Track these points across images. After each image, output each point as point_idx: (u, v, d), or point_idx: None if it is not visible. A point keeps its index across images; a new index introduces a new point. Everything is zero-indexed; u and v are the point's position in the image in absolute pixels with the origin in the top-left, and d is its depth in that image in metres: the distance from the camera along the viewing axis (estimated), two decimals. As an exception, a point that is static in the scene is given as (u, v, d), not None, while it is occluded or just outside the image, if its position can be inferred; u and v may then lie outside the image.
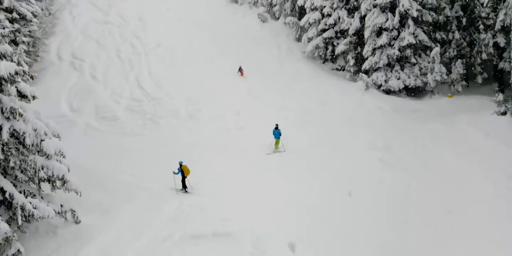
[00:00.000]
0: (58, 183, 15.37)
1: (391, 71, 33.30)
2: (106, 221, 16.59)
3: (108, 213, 17.07)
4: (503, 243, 15.84)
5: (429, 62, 32.93)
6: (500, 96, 25.18)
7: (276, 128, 22.94)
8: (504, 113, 24.89)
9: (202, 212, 16.73)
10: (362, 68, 33.78)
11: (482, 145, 22.74)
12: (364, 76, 32.95)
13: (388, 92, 33.10)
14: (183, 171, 18.46)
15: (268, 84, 32.61)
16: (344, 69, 37.12)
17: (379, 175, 20.26)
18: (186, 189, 18.77)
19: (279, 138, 22.89)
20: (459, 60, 32.65)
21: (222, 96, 30.17)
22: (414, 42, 31.95)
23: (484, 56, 31.94)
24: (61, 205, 15.94)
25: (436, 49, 32.25)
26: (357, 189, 18.99)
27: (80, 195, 16.26)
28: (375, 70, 33.65)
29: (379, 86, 33.24)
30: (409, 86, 33.02)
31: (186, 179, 18.66)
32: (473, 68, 32.86)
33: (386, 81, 33.00)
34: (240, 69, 34.62)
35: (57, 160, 14.89)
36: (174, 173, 18.51)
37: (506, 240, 16.05)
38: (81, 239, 15.72)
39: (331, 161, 21.36)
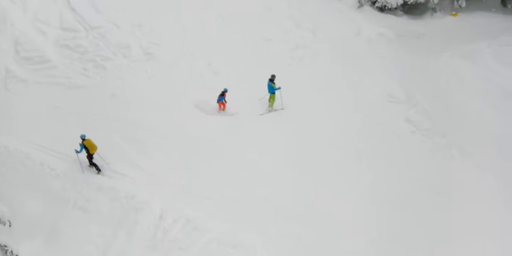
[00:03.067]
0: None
1: (389, -17, 27.09)
2: (54, 254, 11.33)
3: (54, 238, 11.86)
4: None
5: (433, -28, 26.92)
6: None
7: (272, 80, 17.06)
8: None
9: (196, 234, 11.55)
10: (354, -21, 27.23)
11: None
12: (358, -10, 26.59)
13: (382, 9, 27.31)
14: (86, 147, 14.11)
15: (241, 2, 25.38)
16: (328, -21, 30.25)
17: (412, 144, 15.57)
18: (97, 168, 14.31)
19: (274, 92, 17.19)
20: (465, -32, 27.01)
21: (183, 22, 23.01)
22: None
23: (494, -38, 26.51)
24: (-20, 243, 10.45)
25: (444, -45, 26.10)
26: (389, 169, 14.42)
27: (10, 226, 10.68)
28: (369, -19, 27.26)
29: (373, 3, 27.23)
30: (408, 2, 27.28)
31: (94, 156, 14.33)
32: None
33: (382, -4, 26.94)
34: (222, 96, 17.37)
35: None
36: (76, 151, 14.12)
37: None
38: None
39: (349, 124, 16.30)
